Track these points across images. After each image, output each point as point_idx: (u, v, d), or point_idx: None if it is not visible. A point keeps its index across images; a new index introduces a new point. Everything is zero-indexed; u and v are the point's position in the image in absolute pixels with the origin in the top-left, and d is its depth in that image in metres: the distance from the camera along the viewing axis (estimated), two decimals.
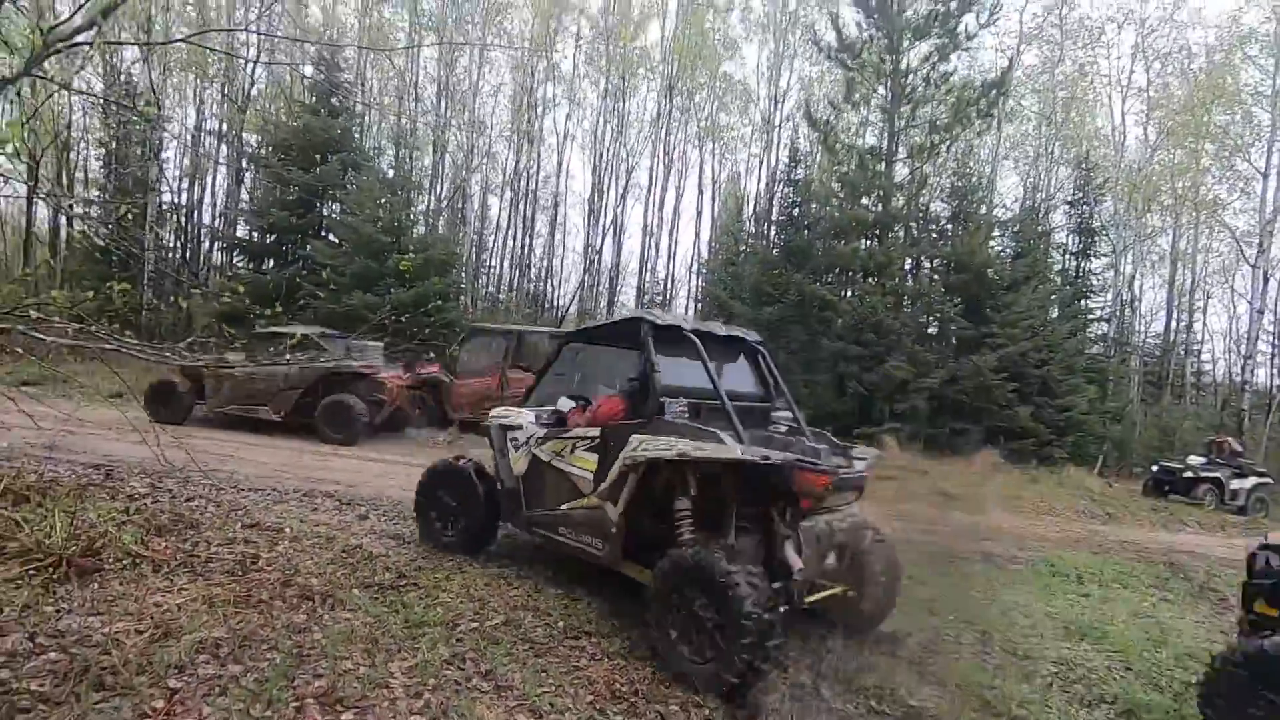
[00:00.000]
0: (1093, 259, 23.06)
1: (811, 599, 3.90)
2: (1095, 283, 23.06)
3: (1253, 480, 14.19)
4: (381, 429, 10.70)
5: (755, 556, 3.75)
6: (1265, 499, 14.28)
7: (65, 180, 22.48)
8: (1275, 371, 25.93)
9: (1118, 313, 24.23)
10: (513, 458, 4.71)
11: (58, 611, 3.06)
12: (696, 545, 3.56)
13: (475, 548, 4.86)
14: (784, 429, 4.33)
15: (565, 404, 4.77)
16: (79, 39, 3.97)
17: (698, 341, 4.14)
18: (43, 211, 22.59)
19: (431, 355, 13.80)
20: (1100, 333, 23.26)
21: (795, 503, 3.69)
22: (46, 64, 3.89)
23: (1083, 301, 22.22)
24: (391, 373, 11.00)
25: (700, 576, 3.37)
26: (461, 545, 4.84)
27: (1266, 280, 21.83)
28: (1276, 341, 25.72)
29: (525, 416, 4.76)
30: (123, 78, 22.13)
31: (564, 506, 4.30)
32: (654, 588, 3.58)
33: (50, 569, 3.41)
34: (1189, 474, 14.37)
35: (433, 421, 11.64)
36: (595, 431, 4.17)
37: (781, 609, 3.45)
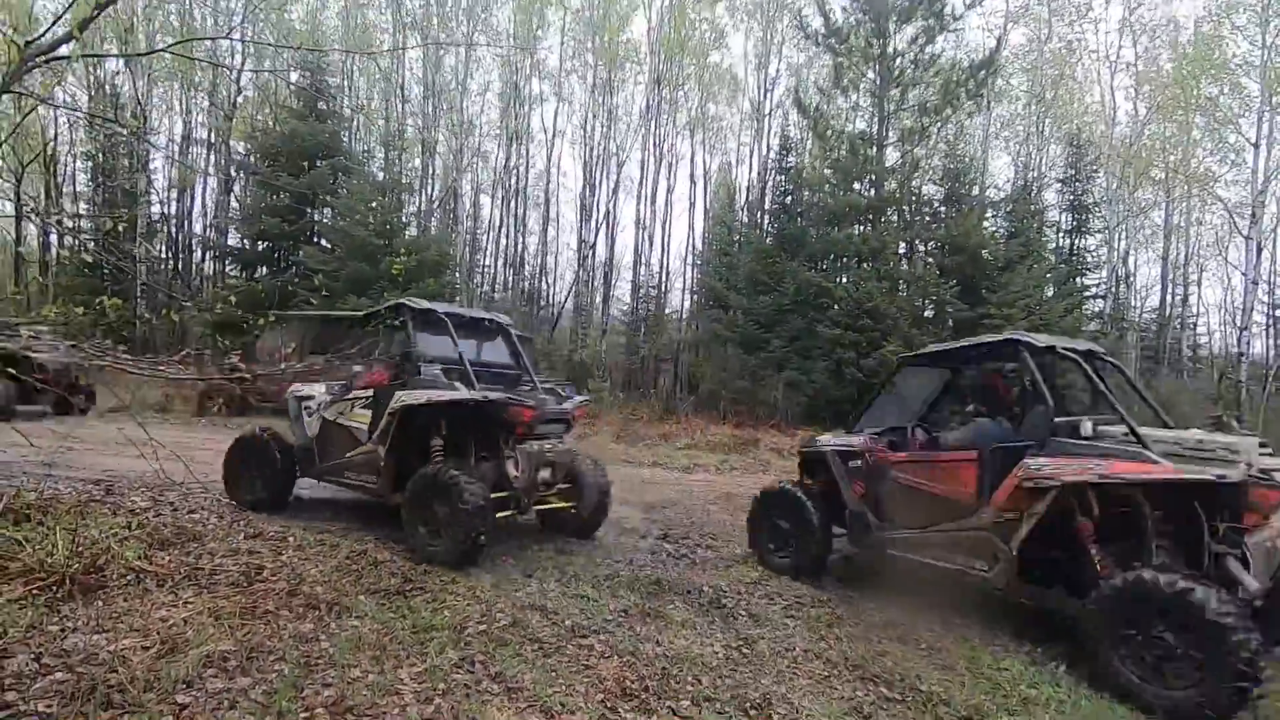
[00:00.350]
0: (1086, 236, 23.06)
1: (540, 508, 5.60)
2: (1090, 260, 23.07)
3: None
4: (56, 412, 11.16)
5: (492, 476, 5.15)
6: None
7: (52, 195, 22.33)
8: (1272, 342, 26.02)
9: (1113, 289, 24.24)
10: (307, 422, 5.82)
11: (63, 630, 3.04)
12: (440, 466, 4.80)
13: (278, 503, 5.75)
14: (527, 386, 5.78)
15: (357, 368, 5.79)
16: (59, 52, 3.91)
17: (447, 321, 5.41)
18: (30, 228, 22.44)
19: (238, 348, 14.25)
20: (1096, 310, 23.26)
21: (511, 430, 5.15)
22: (26, 78, 3.83)
23: (1078, 279, 22.23)
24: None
25: (437, 485, 4.68)
26: (266, 503, 5.70)
27: (1260, 251, 21.81)
28: (1271, 312, 25.79)
29: (317, 388, 5.87)
30: (106, 90, 21.97)
31: (348, 455, 5.43)
32: (407, 500, 4.83)
33: (54, 588, 3.39)
34: None
35: (236, 409, 12.72)
36: (370, 392, 5.36)
37: (511, 512, 5.14)
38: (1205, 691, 3.26)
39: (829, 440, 5.46)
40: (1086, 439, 4.12)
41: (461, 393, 4.88)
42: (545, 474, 5.34)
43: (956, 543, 4.46)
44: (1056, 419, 4.24)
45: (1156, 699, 3.37)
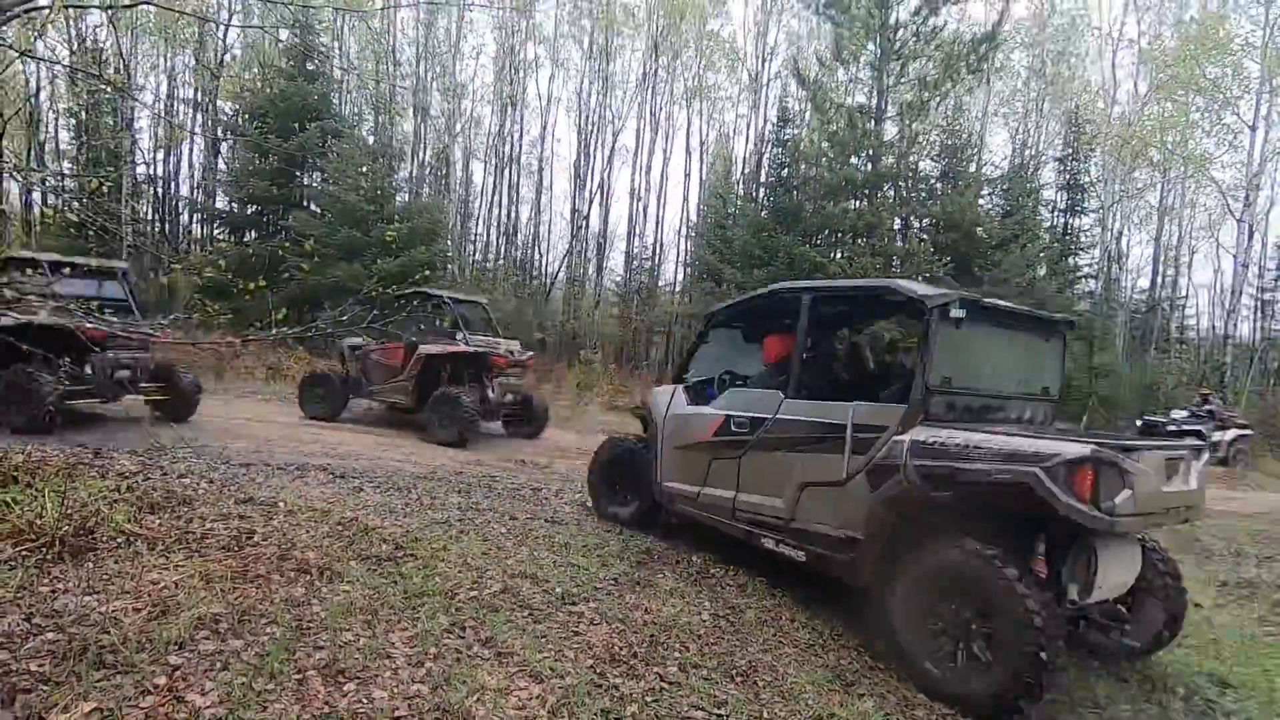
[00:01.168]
0: (1081, 216, 23.06)
1: (148, 400, 7.97)
2: (1083, 240, 23.10)
3: (1234, 432, 14.45)
4: None
5: (77, 377, 7.02)
6: (1245, 450, 14.56)
7: (34, 153, 21.81)
8: (1258, 325, 26.26)
9: (1104, 269, 24.33)
10: None
11: (53, 592, 3.04)
12: (16, 369, 6.63)
13: None
14: (130, 319, 7.39)
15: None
16: (38, 1, 3.79)
17: (45, 266, 6.72)
18: (12, 187, 21.99)
19: None
20: (1087, 290, 23.38)
21: (88, 344, 6.40)
22: (4, 30, 3.72)
23: (1071, 259, 22.27)
24: None
25: (12, 384, 6.63)
26: None
27: (1251, 234, 21.92)
28: (1259, 295, 25.96)
29: None
30: (89, 44, 21.36)
31: None
32: None
33: (43, 549, 3.39)
34: (1172, 428, 14.61)
35: None
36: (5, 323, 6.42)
37: (96, 400, 7.58)
38: (458, 428, 8.58)
39: (348, 341, 9.86)
40: (458, 337, 9.22)
41: (58, 321, 6.18)
42: (124, 374, 7.39)
43: (396, 389, 9.32)
44: (448, 332, 9.56)
45: (446, 437, 8.61)
